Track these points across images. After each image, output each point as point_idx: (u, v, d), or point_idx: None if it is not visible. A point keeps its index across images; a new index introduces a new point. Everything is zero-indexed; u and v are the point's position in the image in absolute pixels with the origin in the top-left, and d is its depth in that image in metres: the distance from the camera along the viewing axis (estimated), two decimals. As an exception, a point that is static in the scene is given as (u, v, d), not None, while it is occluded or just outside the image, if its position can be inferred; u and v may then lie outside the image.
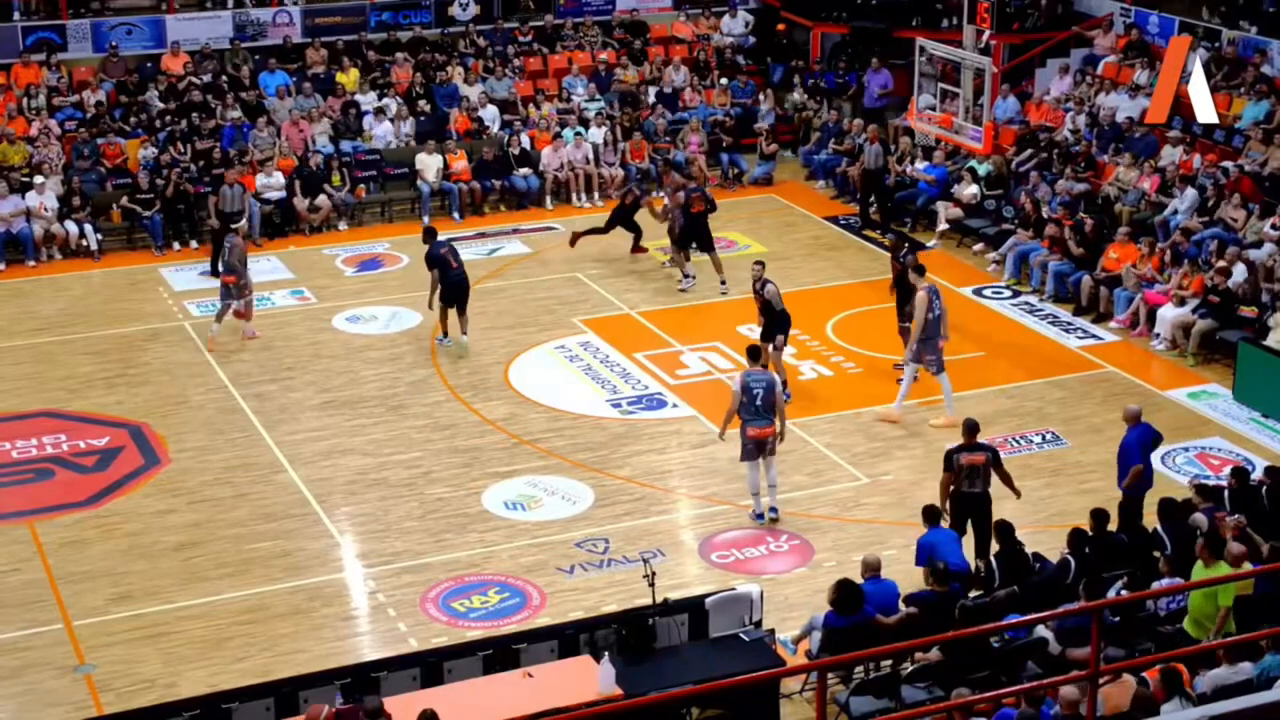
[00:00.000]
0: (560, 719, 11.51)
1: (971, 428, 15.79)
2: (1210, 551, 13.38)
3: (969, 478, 15.48)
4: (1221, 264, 20.99)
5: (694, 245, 23.28)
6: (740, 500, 17.39)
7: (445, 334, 21.27)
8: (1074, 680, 11.40)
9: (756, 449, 16.61)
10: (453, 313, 21.07)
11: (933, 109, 25.94)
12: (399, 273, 23.98)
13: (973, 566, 14.77)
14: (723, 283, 23.01)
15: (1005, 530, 14.62)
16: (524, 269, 24.25)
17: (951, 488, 15.57)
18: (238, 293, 21.08)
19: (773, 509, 16.89)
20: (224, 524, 17.02)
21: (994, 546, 14.73)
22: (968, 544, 15.28)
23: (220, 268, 21.72)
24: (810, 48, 31.04)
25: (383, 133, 27.19)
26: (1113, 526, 14.93)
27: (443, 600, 15.61)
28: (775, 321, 19.49)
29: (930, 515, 14.90)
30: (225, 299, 21.19)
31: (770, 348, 19.30)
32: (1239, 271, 20.97)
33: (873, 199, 26.26)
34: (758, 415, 16.49)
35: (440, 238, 21.42)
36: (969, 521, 15.53)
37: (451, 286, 20.89)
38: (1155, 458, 16.56)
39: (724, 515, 17.17)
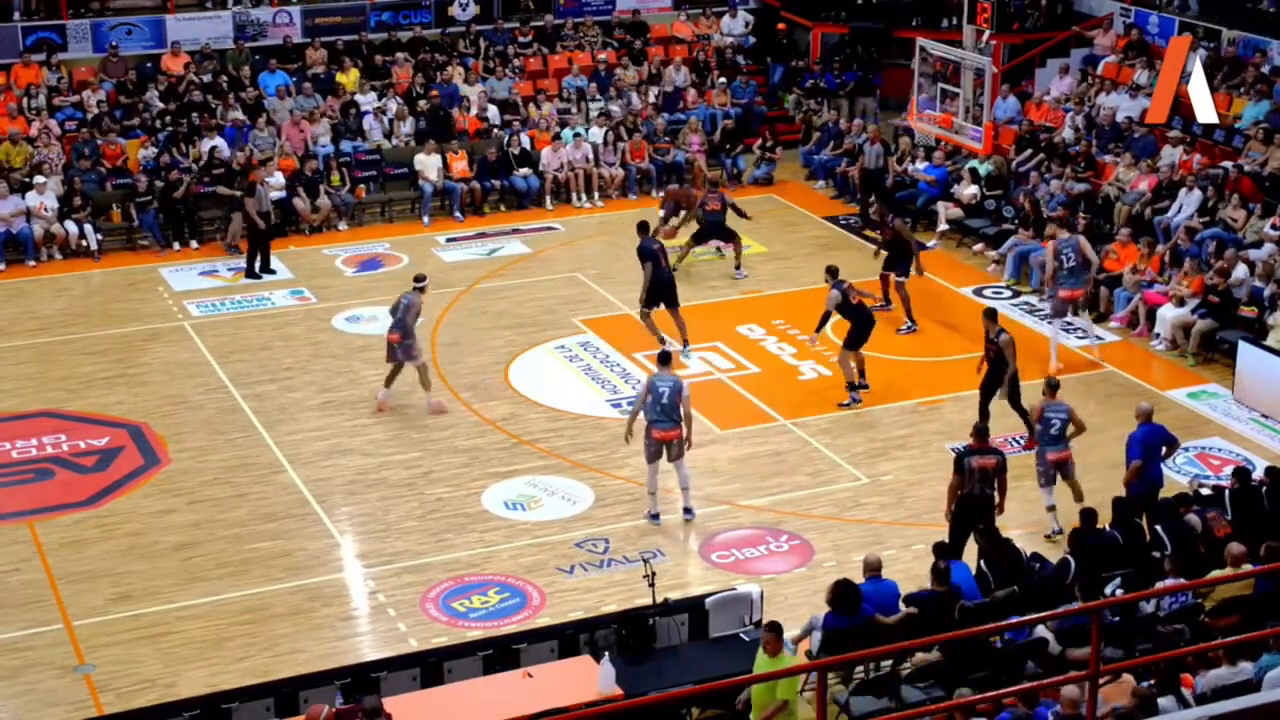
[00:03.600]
0: (560, 719, 11.52)
1: (981, 431, 15.78)
2: (775, 642, 11.91)
3: (980, 481, 15.45)
4: (1221, 264, 21.01)
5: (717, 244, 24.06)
6: (739, 500, 17.42)
7: (687, 340, 20.72)
8: (1074, 680, 11.41)
9: (658, 450, 16.66)
10: (660, 314, 20.71)
11: (933, 109, 25.96)
12: (399, 273, 23.94)
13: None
14: (737, 267, 23.78)
15: (989, 533, 14.63)
16: (524, 269, 24.25)
17: (960, 491, 15.53)
18: (403, 353, 19.01)
19: (687, 510, 16.95)
20: (224, 524, 17.02)
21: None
22: (970, 550, 15.24)
23: (393, 324, 19.10)
24: (810, 48, 31.05)
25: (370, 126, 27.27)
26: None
27: (443, 600, 15.61)
28: (852, 326, 19.44)
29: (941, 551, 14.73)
30: (391, 359, 19.15)
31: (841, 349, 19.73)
32: (1239, 271, 20.98)
33: (873, 199, 26.25)
34: (662, 417, 16.51)
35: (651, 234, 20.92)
36: (974, 526, 15.45)
37: (663, 284, 20.50)
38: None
39: (724, 515, 17.17)
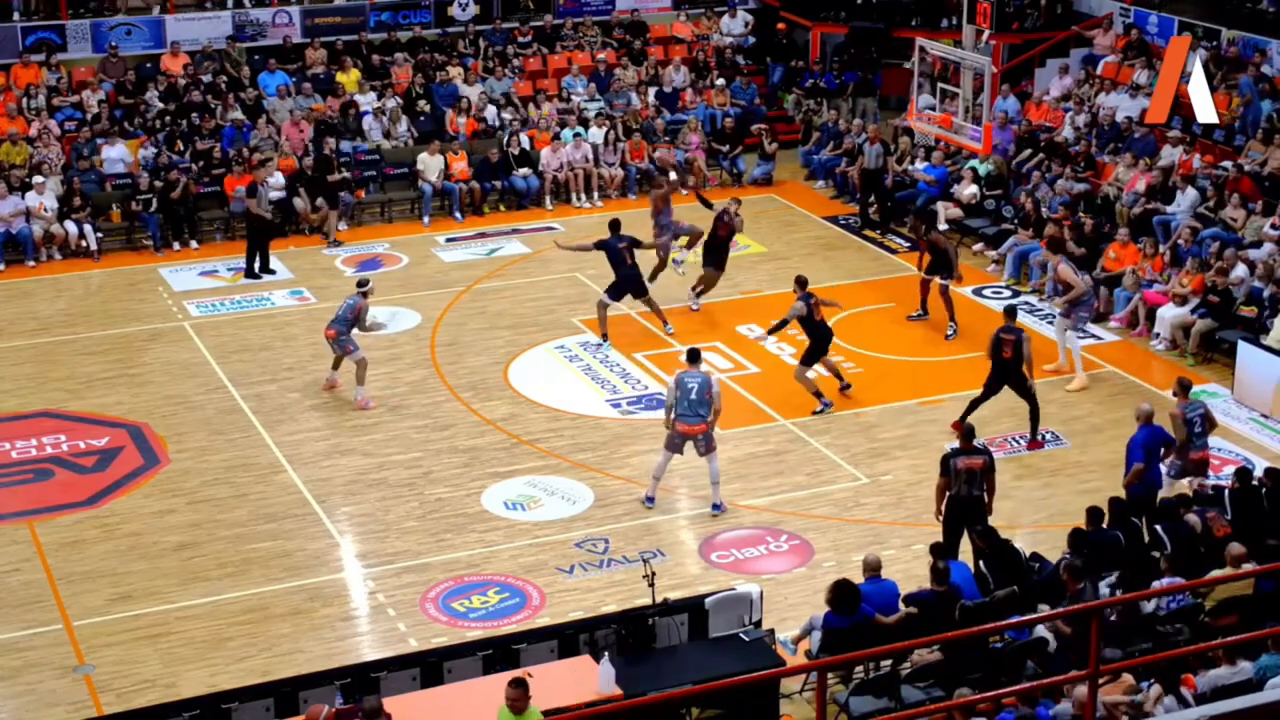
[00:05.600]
0: (560, 719, 11.52)
1: (969, 432, 15.77)
2: (521, 698, 11.57)
3: (967, 482, 15.43)
4: (1221, 264, 21.01)
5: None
6: (739, 500, 17.42)
7: (605, 337, 21.38)
8: (1074, 680, 11.41)
9: (680, 444, 16.99)
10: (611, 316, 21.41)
11: (933, 109, 25.95)
12: (399, 273, 23.97)
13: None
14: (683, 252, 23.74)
15: (986, 533, 14.63)
16: (524, 269, 24.25)
17: (948, 492, 15.53)
18: (339, 348, 19.62)
19: (716, 505, 17.12)
20: (224, 524, 17.02)
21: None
22: (964, 551, 15.24)
23: (332, 321, 19.75)
24: (810, 48, 31.05)
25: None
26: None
27: (443, 600, 15.61)
28: (811, 342, 19.48)
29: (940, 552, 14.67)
30: (332, 350, 19.83)
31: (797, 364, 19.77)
32: (1239, 271, 20.99)
33: (873, 199, 26.27)
34: (689, 412, 16.81)
35: (623, 232, 21.47)
36: (964, 527, 15.45)
37: (625, 280, 21.29)
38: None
39: (724, 515, 17.16)
